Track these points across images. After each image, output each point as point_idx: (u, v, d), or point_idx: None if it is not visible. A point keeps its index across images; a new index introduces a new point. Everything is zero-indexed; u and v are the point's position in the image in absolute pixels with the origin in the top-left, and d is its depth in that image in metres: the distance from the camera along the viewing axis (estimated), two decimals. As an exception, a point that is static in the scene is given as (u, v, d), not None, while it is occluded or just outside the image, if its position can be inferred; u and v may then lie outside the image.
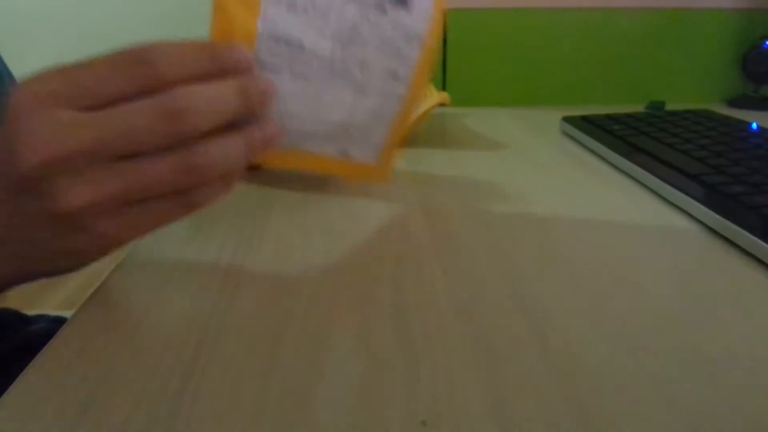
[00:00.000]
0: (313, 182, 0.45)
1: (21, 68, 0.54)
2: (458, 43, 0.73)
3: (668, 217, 0.39)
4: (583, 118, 0.61)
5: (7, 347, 0.48)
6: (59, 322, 0.54)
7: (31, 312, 0.55)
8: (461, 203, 0.42)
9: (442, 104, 0.58)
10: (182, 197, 0.27)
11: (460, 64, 0.74)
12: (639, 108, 0.67)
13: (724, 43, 0.75)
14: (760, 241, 0.32)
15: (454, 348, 0.26)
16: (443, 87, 0.75)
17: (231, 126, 0.27)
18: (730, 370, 0.24)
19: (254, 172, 0.48)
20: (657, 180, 0.43)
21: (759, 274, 0.32)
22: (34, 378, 0.24)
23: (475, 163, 0.50)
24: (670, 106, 0.68)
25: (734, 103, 0.73)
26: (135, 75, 0.25)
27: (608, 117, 0.60)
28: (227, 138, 0.26)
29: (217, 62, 0.26)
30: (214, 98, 0.25)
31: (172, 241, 0.36)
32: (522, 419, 0.21)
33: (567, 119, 0.61)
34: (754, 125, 0.55)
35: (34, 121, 0.24)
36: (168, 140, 0.25)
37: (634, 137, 0.52)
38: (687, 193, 0.39)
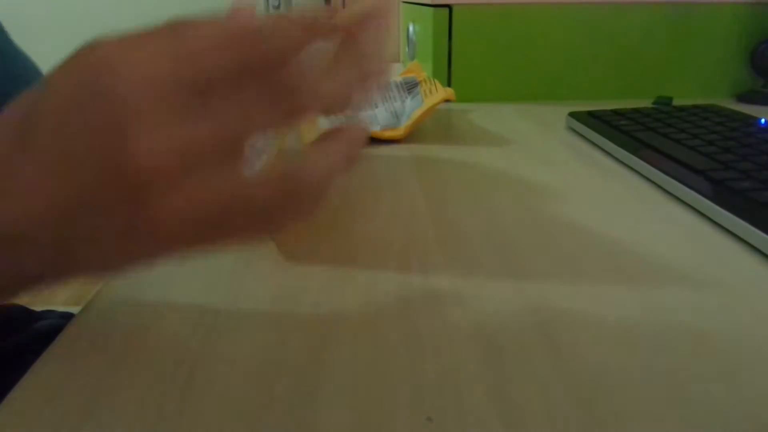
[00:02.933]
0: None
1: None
2: (464, 39, 0.73)
3: (675, 213, 0.39)
4: (590, 113, 0.60)
5: (15, 343, 0.48)
6: (67, 317, 0.54)
7: (38, 308, 0.56)
8: (467, 199, 0.42)
9: (447, 100, 0.58)
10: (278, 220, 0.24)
11: (466, 59, 0.74)
12: (646, 103, 0.67)
13: (733, 37, 0.74)
14: (768, 238, 0.32)
15: (459, 344, 0.25)
16: (449, 83, 0.75)
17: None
18: (739, 368, 0.24)
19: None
20: (664, 176, 0.43)
21: (767, 270, 0.31)
22: (42, 374, 0.24)
23: (480, 159, 0.50)
24: (677, 102, 0.67)
25: (743, 98, 0.73)
26: (244, 54, 0.21)
27: (615, 112, 0.60)
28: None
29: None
30: (338, 82, 0.23)
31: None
32: (527, 416, 0.21)
33: (573, 115, 0.61)
34: (763, 121, 0.54)
35: (150, 116, 0.20)
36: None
37: (641, 133, 0.52)
38: (694, 189, 0.39)
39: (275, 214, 0.23)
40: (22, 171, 0.21)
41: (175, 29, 0.21)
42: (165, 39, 0.21)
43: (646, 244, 0.35)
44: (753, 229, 0.33)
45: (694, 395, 0.22)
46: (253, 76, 0.21)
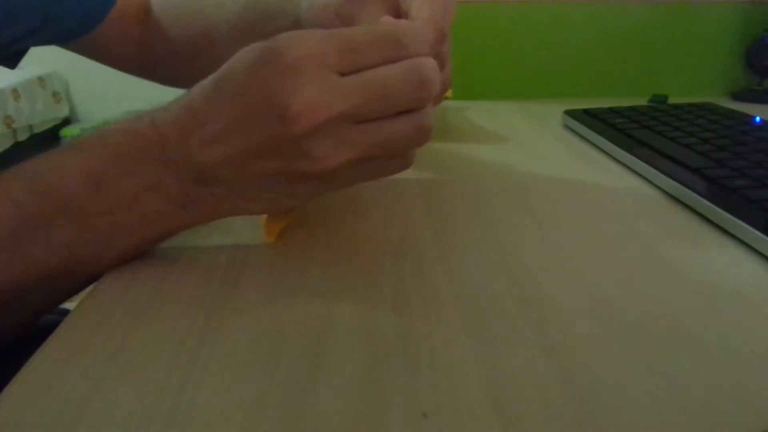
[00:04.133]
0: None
1: (22, 67, 0.54)
2: (460, 36, 0.73)
3: (670, 211, 0.39)
4: (586, 111, 0.60)
5: (13, 339, 0.48)
6: (63, 314, 0.54)
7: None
8: (463, 196, 0.42)
9: (444, 97, 0.58)
10: (402, 158, 0.31)
11: (462, 57, 0.74)
12: (642, 101, 0.67)
13: (728, 35, 0.74)
14: (762, 235, 0.32)
15: (454, 340, 0.26)
16: (445, 80, 0.75)
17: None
18: (731, 363, 0.24)
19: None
20: (659, 174, 0.43)
21: (761, 268, 0.32)
22: (37, 370, 0.24)
23: (477, 156, 0.50)
24: (673, 100, 0.67)
25: (738, 96, 0.73)
26: (391, 53, 0.28)
27: (611, 110, 0.60)
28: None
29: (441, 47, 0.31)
30: (442, 75, 0.30)
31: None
32: (522, 411, 0.22)
33: (569, 112, 0.61)
34: (758, 119, 0.55)
35: (311, 82, 0.26)
36: (413, 105, 0.29)
37: (637, 131, 0.52)
38: (689, 187, 0.39)
39: (413, 146, 0.30)
40: (207, 123, 0.28)
41: (345, 31, 0.28)
42: (326, 32, 0.28)
43: (641, 241, 0.35)
44: (747, 226, 0.34)
45: (689, 391, 0.22)
46: (396, 64, 0.28)
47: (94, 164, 0.29)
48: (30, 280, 0.29)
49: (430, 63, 0.29)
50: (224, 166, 0.28)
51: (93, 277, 0.31)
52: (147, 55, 0.57)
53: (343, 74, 0.28)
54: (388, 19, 0.33)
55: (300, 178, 0.29)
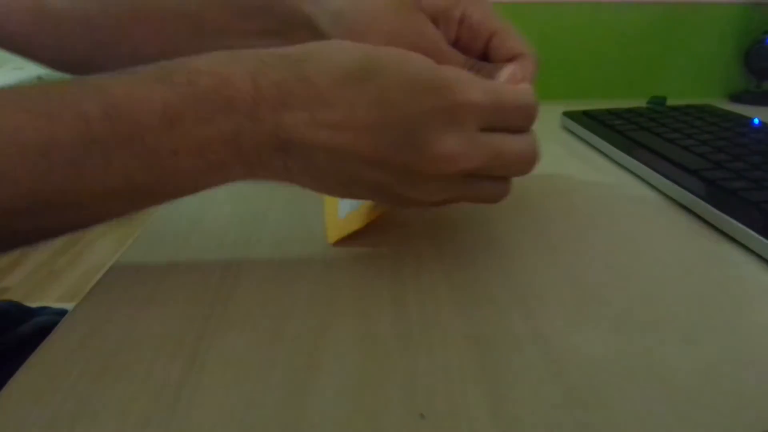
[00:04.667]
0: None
1: (21, 67, 0.54)
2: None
3: (668, 213, 0.39)
4: (584, 112, 0.60)
5: (10, 340, 0.48)
6: (62, 314, 0.54)
7: (32, 304, 0.55)
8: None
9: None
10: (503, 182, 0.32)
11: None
12: (640, 103, 0.67)
13: (726, 37, 0.74)
14: (760, 237, 0.32)
15: (452, 341, 0.26)
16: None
17: None
18: (728, 363, 0.24)
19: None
20: (657, 175, 0.43)
21: (759, 269, 0.32)
22: (35, 370, 0.24)
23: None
24: (671, 101, 0.67)
25: (736, 98, 0.73)
26: (524, 122, 0.31)
27: (609, 112, 0.60)
28: None
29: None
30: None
31: (172, 235, 0.36)
32: (519, 413, 0.22)
33: (567, 114, 0.61)
34: (756, 120, 0.55)
35: (466, 130, 0.28)
36: (517, 175, 0.31)
37: (635, 132, 0.52)
38: (687, 189, 0.39)
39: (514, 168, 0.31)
40: (330, 108, 0.27)
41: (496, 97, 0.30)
42: (486, 83, 0.30)
43: (639, 243, 0.35)
44: (745, 228, 0.34)
45: (687, 393, 0.22)
46: (522, 136, 0.31)
47: (174, 101, 0.27)
48: (81, 195, 0.28)
49: (537, 144, 0.31)
50: (323, 153, 0.28)
51: (140, 207, 0.30)
52: (44, 28, 0.45)
53: (483, 129, 0.29)
54: (514, 75, 0.35)
55: (395, 196, 0.30)
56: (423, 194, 0.29)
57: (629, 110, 0.60)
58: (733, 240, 0.35)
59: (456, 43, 0.37)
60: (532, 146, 0.31)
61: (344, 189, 0.31)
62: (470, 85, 0.28)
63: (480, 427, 0.21)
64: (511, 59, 0.37)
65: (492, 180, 0.31)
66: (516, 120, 0.30)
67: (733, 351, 0.25)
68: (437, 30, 0.35)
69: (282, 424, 0.21)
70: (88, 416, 0.22)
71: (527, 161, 0.31)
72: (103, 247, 2.21)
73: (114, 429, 0.21)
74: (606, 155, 0.51)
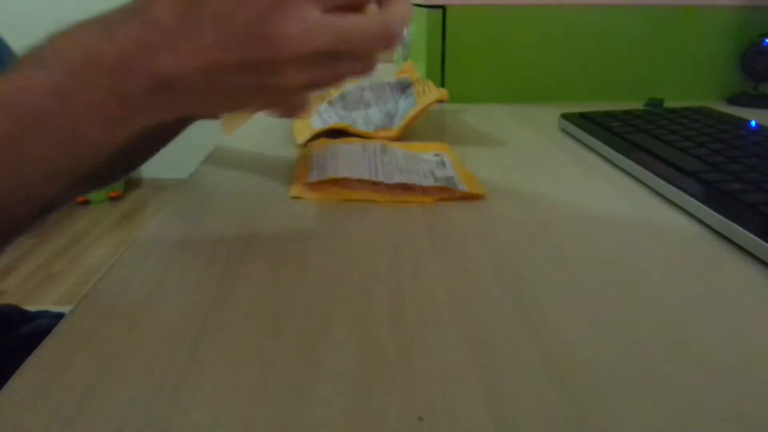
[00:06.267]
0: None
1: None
2: (457, 40, 0.73)
3: (666, 215, 0.39)
4: (582, 115, 0.61)
5: (8, 343, 0.48)
6: (60, 318, 0.54)
7: (30, 308, 0.55)
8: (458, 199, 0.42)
9: (440, 101, 0.58)
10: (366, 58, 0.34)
11: (459, 60, 0.74)
12: (638, 105, 0.67)
13: (724, 40, 0.75)
14: (757, 239, 0.32)
15: (450, 344, 0.26)
16: (442, 83, 0.75)
17: None
18: (726, 368, 0.24)
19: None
20: (655, 177, 0.43)
21: (756, 271, 0.32)
22: (33, 371, 0.24)
23: (473, 160, 0.50)
24: (668, 104, 0.68)
25: (733, 100, 0.73)
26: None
27: (607, 114, 0.60)
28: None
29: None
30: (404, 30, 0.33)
31: (170, 236, 0.36)
32: (518, 415, 0.22)
33: (565, 116, 0.61)
34: (753, 123, 0.55)
35: (296, 15, 0.29)
36: (375, 54, 0.33)
37: (633, 134, 0.53)
38: (685, 191, 0.39)
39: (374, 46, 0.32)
40: (181, 39, 0.29)
41: None
42: None
43: (637, 245, 0.35)
44: (742, 230, 0.34)
45: (685, 398, 0.23)
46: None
47: (55, 79, 0.30)
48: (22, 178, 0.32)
49: (399, 22, 0.32)
50: (197, 75, 0.30)
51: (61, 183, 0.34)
52: None
53: (326, 11, 0.30)
54: None
55: (268, 91, 0.32)
56: (289, 79, 0.31)
57: (627, 112, 0.61)
58: (730, 242, 0.35)
59: None
60: (383, 24, 0.32)
61: (230, 102, 0.34)
62: None
63: (479, 431, 0.21)
64: None
65: (352, 58, 0.33)
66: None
67: (732, 354, 0.25)
68: None
69: (279, 427, 0.21)
70: (84, 420, 0.22)
71: (380, 37, 0.32)
72: (100, 250, 2.20)
73: (114, 429, 0.21)
74: (603, 157, 0.51)
